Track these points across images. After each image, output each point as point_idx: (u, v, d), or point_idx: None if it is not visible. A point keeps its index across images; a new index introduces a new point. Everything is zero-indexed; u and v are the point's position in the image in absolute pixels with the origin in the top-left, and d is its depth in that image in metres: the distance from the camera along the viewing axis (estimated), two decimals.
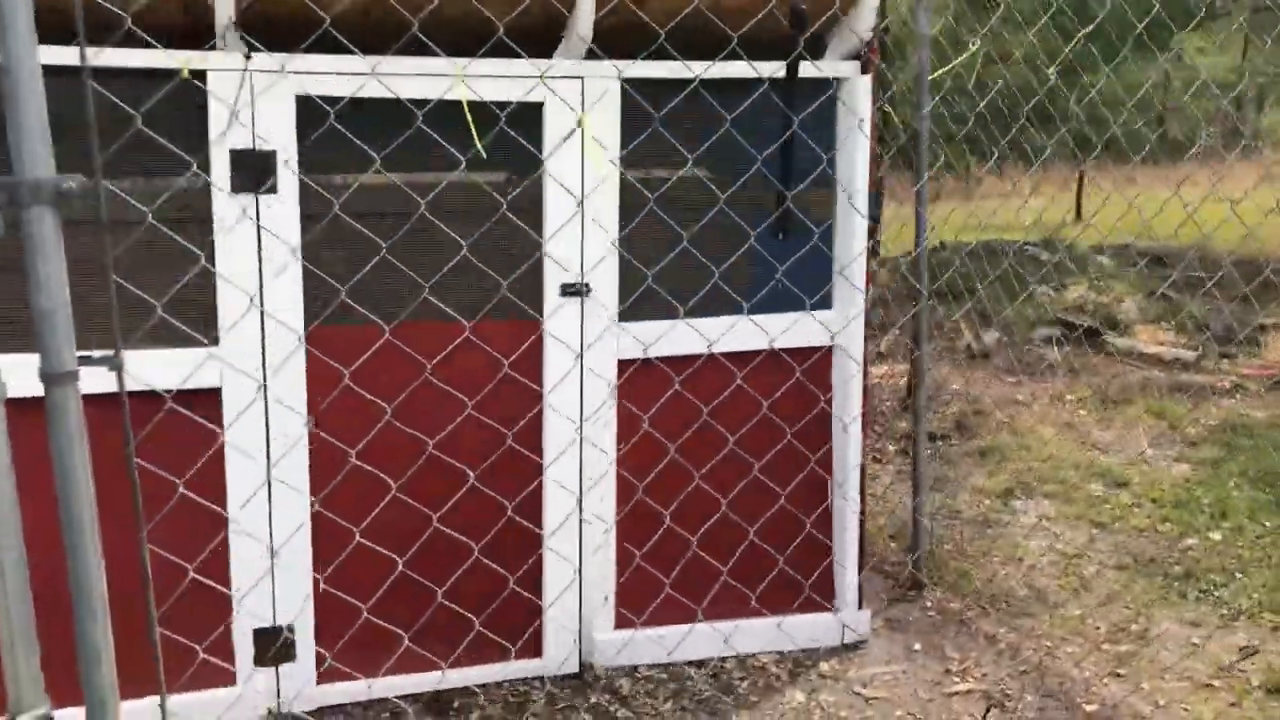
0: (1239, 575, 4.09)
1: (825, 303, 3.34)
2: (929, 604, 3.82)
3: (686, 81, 3.03)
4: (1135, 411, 6.35)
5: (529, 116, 2.94)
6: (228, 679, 2.92)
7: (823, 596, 3.48)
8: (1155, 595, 3.93)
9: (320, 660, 3.02)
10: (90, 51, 2.58)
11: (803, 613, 3.45)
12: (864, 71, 3.19)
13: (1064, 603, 3.87)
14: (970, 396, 6.61)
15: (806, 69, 3.15)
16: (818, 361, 3.35)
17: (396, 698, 3.09)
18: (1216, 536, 4.50)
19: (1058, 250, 10.95)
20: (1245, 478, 5.15)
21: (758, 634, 3.40)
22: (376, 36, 2.74)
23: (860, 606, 3.49)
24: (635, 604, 3.30)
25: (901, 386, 6.63)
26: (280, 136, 2.76)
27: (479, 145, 2.90)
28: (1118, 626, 3.67)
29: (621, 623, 3.29)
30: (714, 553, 3.33)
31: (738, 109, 3.07)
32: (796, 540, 3.40)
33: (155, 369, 2.71)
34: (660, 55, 2.97)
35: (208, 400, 2.79)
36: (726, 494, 3.31)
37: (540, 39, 2.93)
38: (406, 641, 3.04)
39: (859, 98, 3.19)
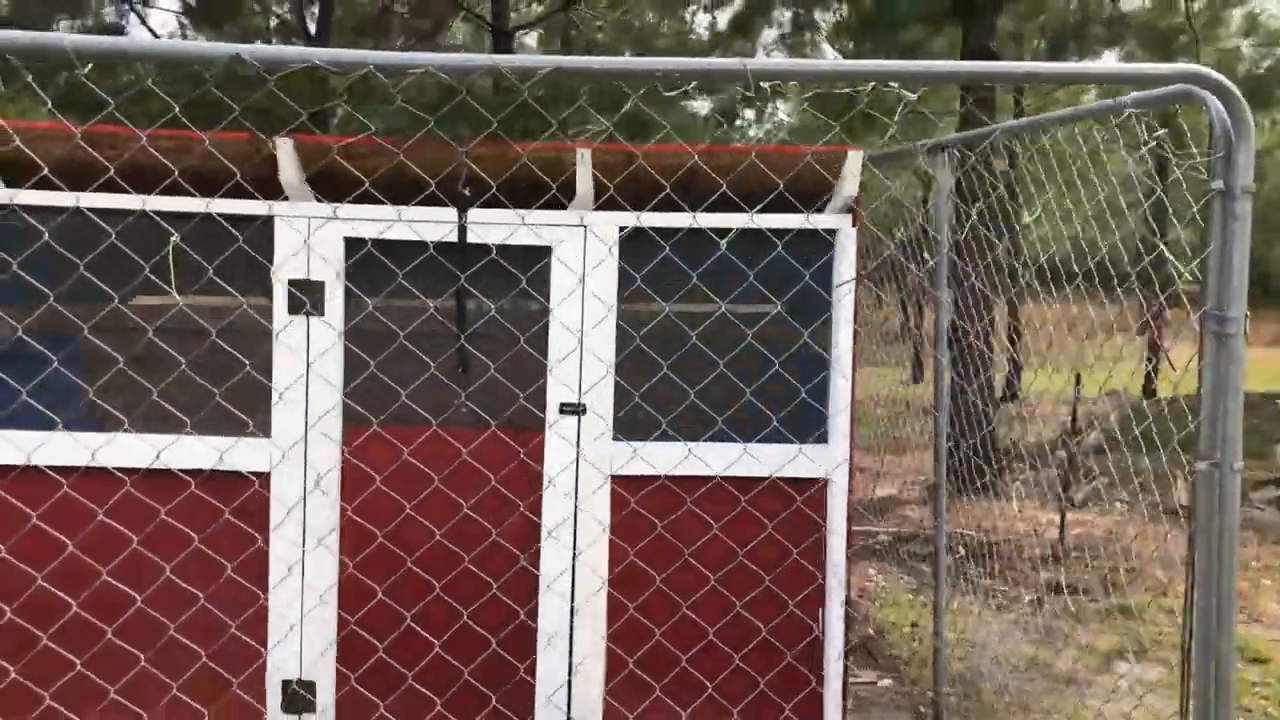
0: None
1: (820, 436, 3.49)
2: None
3: (694, 231, 3.39)
4: None
5: (538, 255, 3.41)
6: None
7: None
8: None
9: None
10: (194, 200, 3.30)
11: None
12: (853, 224, 3.42)
13: None
14: (1127, 549, 6.18)
15: (812, 220, 3.43)
16: (811, 493, 3.49)
17: None
18: None
19: None
20: None
21: None
22: (402, 189, 3.35)
23: None
24: None
25: (1053, 537, 6.33)
26: (329, 269, 3.39)
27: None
28: None
29: None
30: (700, 679, 3.50)
31: (744, 255, 3.39)
32: (784, 672, 3.50)
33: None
34: (663, 206, 3.36)
35: (261, 481, 3.42)
36: (712, 616, 3.49)
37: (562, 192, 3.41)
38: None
39: (848, 244, 3.41)
